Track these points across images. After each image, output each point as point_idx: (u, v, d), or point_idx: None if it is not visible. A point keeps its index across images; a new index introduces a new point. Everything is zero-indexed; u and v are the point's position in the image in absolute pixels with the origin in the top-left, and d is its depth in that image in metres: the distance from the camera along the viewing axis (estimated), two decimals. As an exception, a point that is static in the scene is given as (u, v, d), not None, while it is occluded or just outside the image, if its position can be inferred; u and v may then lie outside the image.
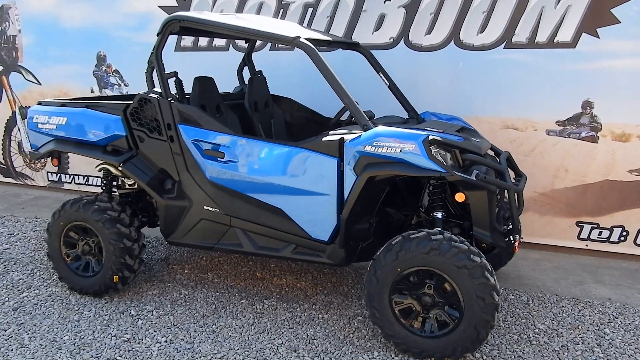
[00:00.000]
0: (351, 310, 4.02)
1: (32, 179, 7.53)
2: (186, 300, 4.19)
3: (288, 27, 4.04)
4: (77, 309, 4.07)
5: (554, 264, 4.94)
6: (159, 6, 6.40)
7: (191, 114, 3.88)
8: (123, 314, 3.98)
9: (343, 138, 3.53)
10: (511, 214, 3.56)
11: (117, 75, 6.84)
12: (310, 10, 5.79)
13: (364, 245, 3.76)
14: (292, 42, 3.62)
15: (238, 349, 3.51)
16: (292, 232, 3.75)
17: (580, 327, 3.79)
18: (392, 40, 5.48)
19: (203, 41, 6.28)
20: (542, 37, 5.00)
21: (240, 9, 6.04)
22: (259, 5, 5.96)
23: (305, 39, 3.62)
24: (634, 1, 4.68)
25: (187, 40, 6.37)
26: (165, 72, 3.97)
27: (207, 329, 3.76)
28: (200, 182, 3.92)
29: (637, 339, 3.64)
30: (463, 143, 3.48)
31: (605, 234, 5.06)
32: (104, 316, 3.95)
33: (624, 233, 5.01)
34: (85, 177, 7.21)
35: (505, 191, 3.78)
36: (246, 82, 5.08)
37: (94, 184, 7.15)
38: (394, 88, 4.61)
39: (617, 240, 5.05)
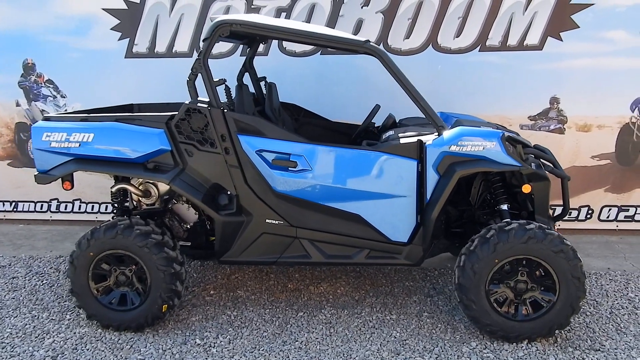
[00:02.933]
0: (411, 309, 4.11)
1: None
2: (242, 321, 3.96)
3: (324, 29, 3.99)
4: (129, 347, 3.64)
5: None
6: (103, 9, 5.86)
7: (252, 123, 3.69)
8: (187, 344, 3.65)
9: (421, 140, 3.62)
10: (564, 200, 3.92)
11: (51, 85, 6.11)
12: (283, 15, 5.72)
13: (435, 242, 3.88)
14: (362, 47, 3.63)
15: (341, 361, 3.44)
16: (368, 237, 3.75)
17: (609, 295, 4.29)
18: (371, 44, 5.63)
19: (161, 46, 5.88)
20: (512, 40, 5.51)
21: (204, 12, 5.75)
22: (226, 8, 5.74)
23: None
24: (589, 9, 5.37)
25: (141, 46, 5.90)
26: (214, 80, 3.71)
27: (292, 347, 3.62)
28: (262, 195, 3.74)
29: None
30: (522, 139, 3.77)
31: (574, 213, 5.73)
32: (169, 350, 3.59)
33: (590, 211, 5.73)
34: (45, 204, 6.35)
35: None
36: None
37: (62, 210, 6.34)
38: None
39: (584, 218, 5.76)
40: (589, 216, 5.75)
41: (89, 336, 3.79)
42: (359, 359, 3.46)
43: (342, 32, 4.14)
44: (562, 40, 5.45)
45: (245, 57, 4.93)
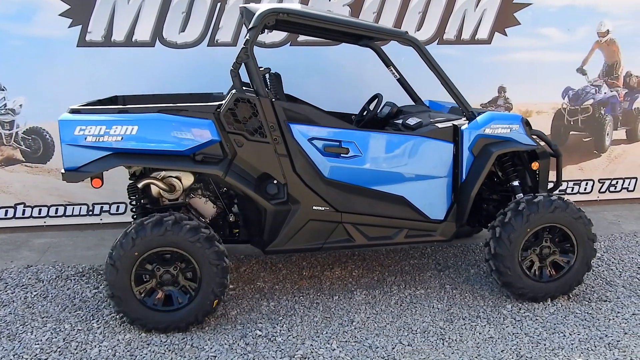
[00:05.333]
0: (432, 283, 4.42)
1: None
2: (286, 310, 3.98)
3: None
4: (189, 346, 3.51)
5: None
6: (51, -7, 5.37)
7: (302, 112, 3.74)
8: (248, 337, 3.61)
9: (455, 124, 3.95)
10: (558, 175, 4.45)
11: (-13, 77, 5.46)
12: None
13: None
14: (402, 37, 3.85)
15: (434, 339, 3.64)
16: (408, 217, 3.99)
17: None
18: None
19: (119, 35, 5.53)
20: (466, 35, 6.05)
21: (165, 5, 5.51)
22: (190, 1, 5.56)
23: None
24: (529, 7, 6.08)
25: (96, 34, 5.51)
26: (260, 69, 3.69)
27: (352, 327, 3.74)
28: (310, 182, 3.79)
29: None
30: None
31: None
32: (235, 344, 3.53)
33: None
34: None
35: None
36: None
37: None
38: (402, 81, 5.04)
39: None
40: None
41: (136, 341, 3.56)
42: (420, 330, 3.69)
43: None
44: (506, 35, 6.10)
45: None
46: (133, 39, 5.56)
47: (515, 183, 4.25)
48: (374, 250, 5.03)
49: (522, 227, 3.86)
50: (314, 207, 3.84)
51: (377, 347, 3.48)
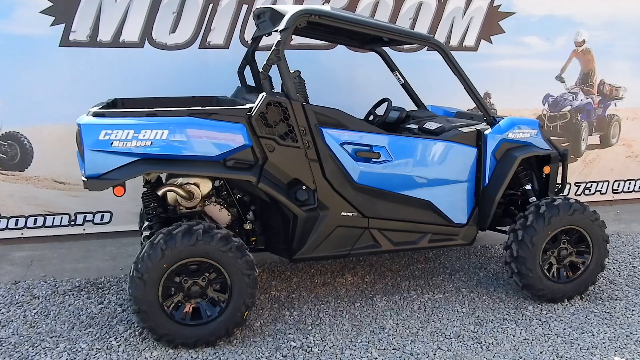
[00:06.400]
0: (447, 287, 4.43)
1: None
2: (312, 319, 3.88)
3: None
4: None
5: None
6: (31, -11, 5.04)
7: (333, 116, 3.66)
8: (283, 349, 3.48)
9: (478, 129, 3.98)
10: (563, 177, 4.55)
11: (-44, 78, 5.05)
12: (245, 7, 5.56)
13: None
14: (429, 41, 3.85)
15: (471, 344, 3.62)
16: (433, 221, 3.98)
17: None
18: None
19: (105, 35, 5.25)
20: (454, 41, 6.16)
21: (155, 5, 5.29)
22: (182, 1, 5.37)
23: None
24: (512, 17, 6.25)
25: (81, 33, 5.21)
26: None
27: (385, 334, 3.68)
28: (339, 188, 3.72)
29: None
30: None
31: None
32: (272, 357, 3.39)
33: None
34: None
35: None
36: (247, 82, 4.72)
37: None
38: (407, 86, 5.05)
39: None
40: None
41: (165, 358, 3.36)
42: (454, 335, 3.68)
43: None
44: (492, 43, 6.25)
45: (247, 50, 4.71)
46: (120, 40, 5.29)
47: (528, 187, 4.34)
48: (379, 255, 4.99)
49: (543, 229, 3.93)
50: (342, 213, 3.76)
51: (419, 354, 3.43)
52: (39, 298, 4.17)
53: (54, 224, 5.44)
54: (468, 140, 3.95)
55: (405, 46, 5.97)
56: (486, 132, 3.98)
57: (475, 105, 4.33)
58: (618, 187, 6.97)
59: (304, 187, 3.65)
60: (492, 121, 4.04)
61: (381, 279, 4.55)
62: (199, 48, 5.49)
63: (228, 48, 5.55)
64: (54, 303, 4.09)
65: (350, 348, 3.50)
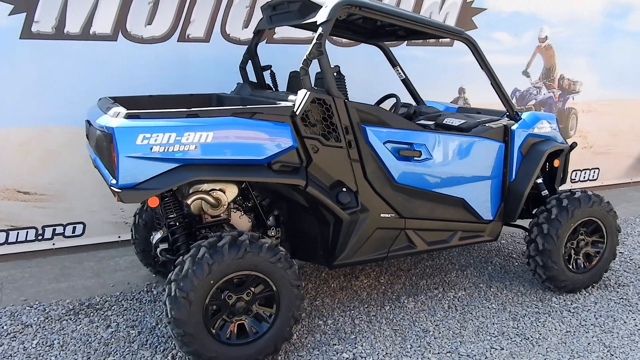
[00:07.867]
0: (465, 284, 4.37)
1: None
2: (347, 326, 3.67)
3: None
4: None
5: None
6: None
7: (375, 113, 3.48)
8: (337, 362, 3.27)
9: (504, 125, 3.97)
10: (566, 170, 4.67)
11: None
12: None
13: None
14: (460, 35, 3.78)
15: (519, 340, 3.56)
16: (464, 219, 3.91)
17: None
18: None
19: (73, 26, 4.72)
20: (431, 37, 6.15)
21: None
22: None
23: None
24: (484, 12, 6.35)
25: (45, 24, 4.65)
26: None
27: (429, 335, 3.56)
28: (379, 188, 3.54)
29: None
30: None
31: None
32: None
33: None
34: None
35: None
36: (249, 78, 4.43)
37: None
38: (407, 81, 4.95)
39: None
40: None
41: (215, 384, 3.03)
42: (498, 332, 3.63)
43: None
44: (465, 39, 6.30)
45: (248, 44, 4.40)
46: (91, 32, 4.77)
47: (540, 180, 4.39)
48: (414, 256, 4.85)
49: (567, 222, 3.98)
50: (381, 215, 3.59)
51: (475, 355, 3.35)
52: (31, 326, 3.65)
53: (18, 240, 4.84)
54: (497, 136, 3.92)
55: (385, 41, 5.87)
56: (513, 127, 3.97)
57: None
58: (575, 176, 7.31)
59: (344, 189, 3.44)
60: (516, 116, 4.04)
61: (396, 279, 4.43)
62: (177, 41, 5.08)
63: (209, 42, 5.19)
64: (52, 331, 3.60)
65: (406, 355, 3.34)
